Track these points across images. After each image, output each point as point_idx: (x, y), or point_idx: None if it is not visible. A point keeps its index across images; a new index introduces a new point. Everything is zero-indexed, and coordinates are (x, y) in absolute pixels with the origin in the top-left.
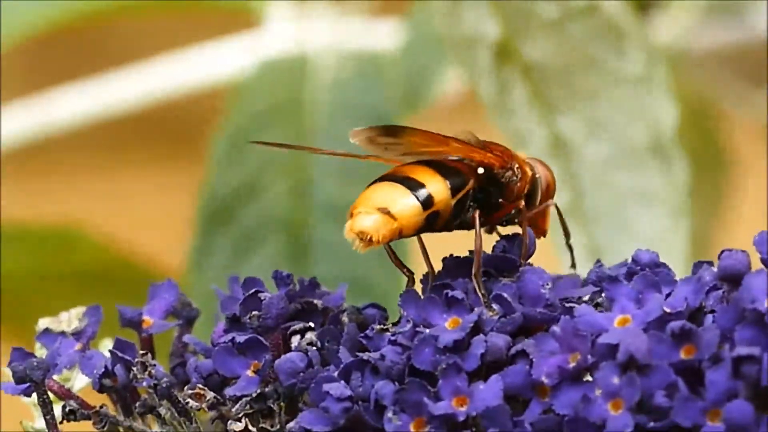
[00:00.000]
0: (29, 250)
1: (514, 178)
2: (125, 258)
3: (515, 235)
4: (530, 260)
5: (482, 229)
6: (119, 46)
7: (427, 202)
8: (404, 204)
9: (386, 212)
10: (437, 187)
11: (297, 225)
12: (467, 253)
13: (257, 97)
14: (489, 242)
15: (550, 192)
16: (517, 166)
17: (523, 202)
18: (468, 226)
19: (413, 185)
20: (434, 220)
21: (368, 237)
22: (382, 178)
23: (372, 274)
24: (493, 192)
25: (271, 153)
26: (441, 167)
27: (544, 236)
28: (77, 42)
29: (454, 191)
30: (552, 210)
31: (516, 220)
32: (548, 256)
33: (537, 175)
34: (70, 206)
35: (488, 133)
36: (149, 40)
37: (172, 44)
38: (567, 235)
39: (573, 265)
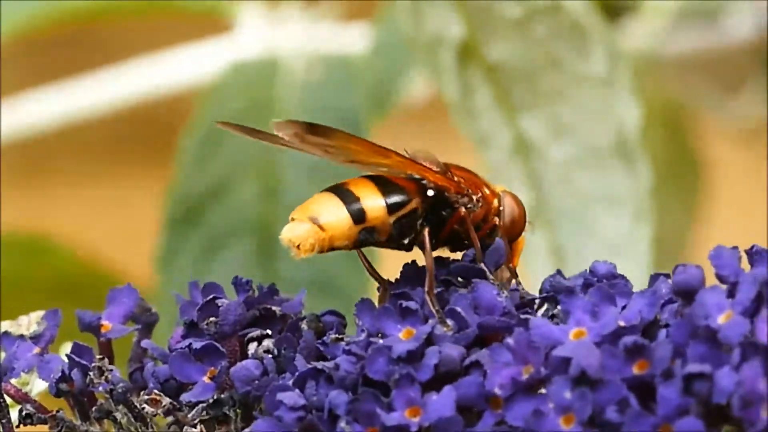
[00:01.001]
0: None
1: (471, 205)
2: (95, 267)
3: (487, 244)
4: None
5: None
6: (90, 50)
7: (359, 217)
8: (333, 216)
9: (316, 222)
10: (372, 202)
11: (266, 227)
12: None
13: (227, 99)
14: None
15: (515, 228)
16: (479, 195)
17: (464, 212)
18: (421, 245)
19: (348, 198)
20: (371, 234)
21: (297, 244)
22: (327, 189)
23: (340, 276)
24: (446, 215)
25: (240, 155)
26: (386, 184)
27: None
28: (45, 47)
29: (392, 208)
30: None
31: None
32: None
33: (501, 208)
34: (39, 213)
35: (455, 135)
36: (121, 44)
37: (144, 48)
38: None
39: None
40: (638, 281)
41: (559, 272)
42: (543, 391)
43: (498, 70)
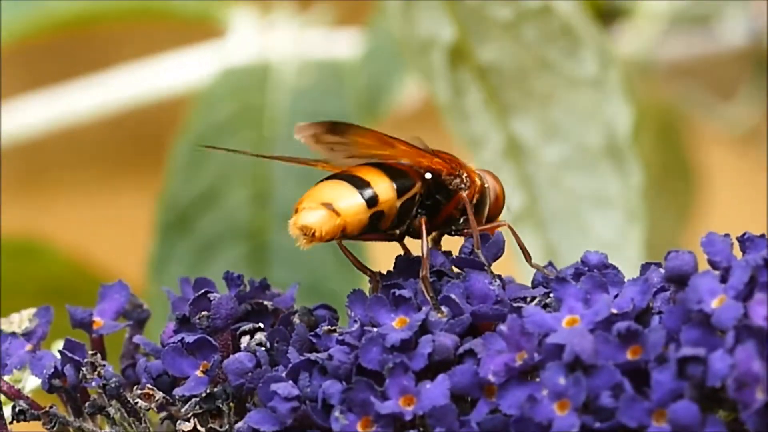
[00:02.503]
0: None
1: (462, 185)
2: (88, 271)
3: (484, 236)
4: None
5: (429, 238)
6: (81, 56)
7: (372, 201)
8: (349, 200)
9: (330, 208)
10: (383, 186)
11: (257, 232)
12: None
13: (218, 104)
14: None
15: (499, 204)
16: (465, 174)
17: (465, 194)
18: (415, 233)
19: (359, 183)
20: (378, 220)
21: (312, 232)
22: (329, 177)
23: (332, 281)
24: (441, 199)
25: (231, 161)
26: (388, 169)
27: None
28: (36, 54)
29: (400, 192)
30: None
31: (465, 231)
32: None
33: (486, 185)
34: (32, 218)
35: (447, 139)
36: (113, 50)
37: (136, 54)
38: (527, 256)
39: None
40: None
41: (550, 264)
42: (537, 379)
43: (489, 72)
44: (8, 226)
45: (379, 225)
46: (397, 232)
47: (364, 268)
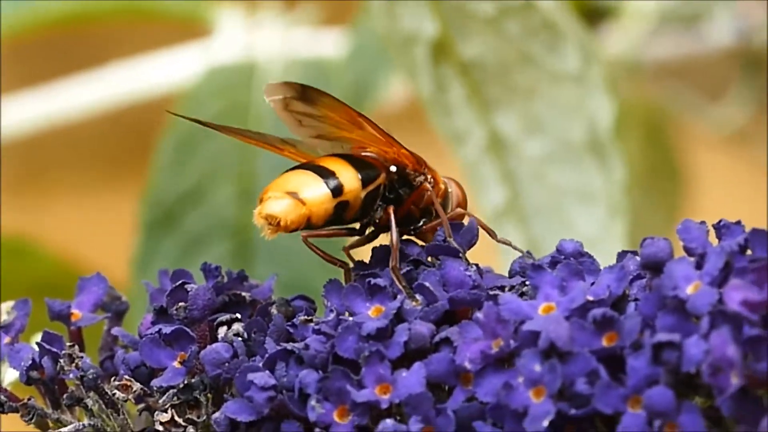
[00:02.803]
0: None
1: (427, 185)
2: (76, 269)
3: (458, 224)
4: (471, 251)
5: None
6: (68, 55)
7: (337, 190)
8: (314, 190)
9: (296, 197)
10: (348, 176)
11: (242, 230)
12: None
13: (205, 102)
14: None
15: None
16: (431, 176)
17: (428, 186)
18: (378, 225)
19: (325, 173)
20: (343, 210)
21: (276, 221)
22: (294, 168)
23: (316, 278)
24: (404, 194)
25: (217, 158)
26: (354, 160)
27: None
28: (24, 53)
29: (365, 183)
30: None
31: (423, 229)
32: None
33: (449, 190)
34: (21, 217)
35: (432, 137)
36: (100, 49)
37: (123, 53)
38: (491, 234)
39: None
40: None
41: (528, 253)
42: (513, 367)
43: (472, 68)
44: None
45: (344, 215)
46: (358, 225)
47: (333, 260)
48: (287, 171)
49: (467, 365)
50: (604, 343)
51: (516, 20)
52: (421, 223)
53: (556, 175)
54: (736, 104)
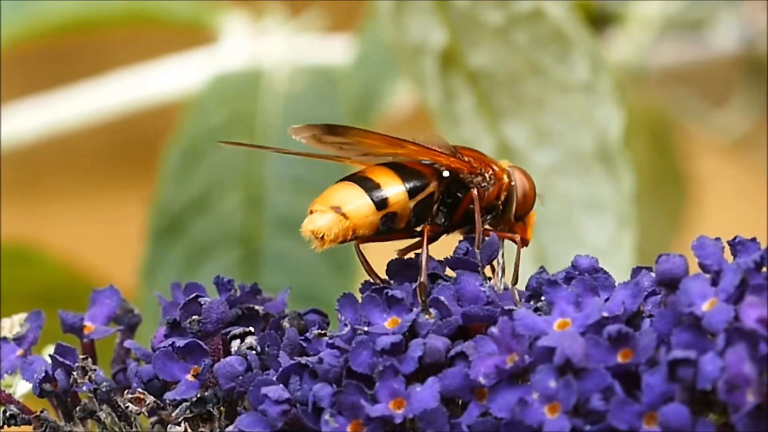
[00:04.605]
0: None
1: (485, 184)
2: (82, 277)
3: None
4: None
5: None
6: (73, 63)
7: (382, 203)
8: (357, 203)
9: (339, 211)
10: (393, 188)
11: (250, 238)
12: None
13: (211, 110)
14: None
15: (527, 202)
16: (490, 173)
17: (477, 192)
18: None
19: (369, 186)
20: (392, 221)
21: (321, 235)
22: (343, 179)
23: (324, 287)
24: (462, 196)
25: (224, 166)
26: (402, 169)
27: (526, 245)
28: (29, 61)
29: (412, 193)
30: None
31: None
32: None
33: (512, 183)
34: (25, 224)
35: None
36: (105, 57)
37: (129, 60)
38: (515, 278)
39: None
40: None
41: (543, 269)
42: (528, 382)
43: (480, 77)
44: (2, 230)
45: (393, 226)
46: (418, 229)
47: (374, 275)
48: (336, 183)
49: (482, 380)
50: (620, 359)
51: (524, 30)
52: (493, 214)
53: (565, 186)
54: (740, 110)
